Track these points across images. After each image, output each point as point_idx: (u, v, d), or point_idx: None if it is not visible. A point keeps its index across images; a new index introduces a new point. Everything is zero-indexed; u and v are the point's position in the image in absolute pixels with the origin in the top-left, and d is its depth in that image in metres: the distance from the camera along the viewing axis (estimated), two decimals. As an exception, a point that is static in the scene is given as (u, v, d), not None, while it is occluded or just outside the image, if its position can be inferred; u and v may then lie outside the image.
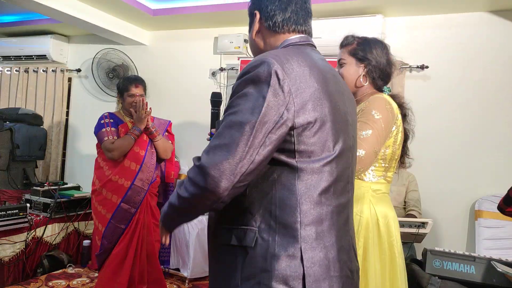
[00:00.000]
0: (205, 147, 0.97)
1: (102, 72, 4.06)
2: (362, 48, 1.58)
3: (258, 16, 1.11)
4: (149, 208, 2.44)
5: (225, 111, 0.96)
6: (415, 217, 2.64)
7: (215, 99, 1.68)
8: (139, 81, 2.52)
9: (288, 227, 0.93)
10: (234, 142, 0.89)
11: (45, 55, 4.39)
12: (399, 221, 2.17)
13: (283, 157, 0.95)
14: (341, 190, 1.02)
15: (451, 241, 2.91)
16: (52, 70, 4.50)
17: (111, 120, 2.45)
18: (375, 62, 1.57)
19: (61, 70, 4.47)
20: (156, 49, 4.18)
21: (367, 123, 1.47)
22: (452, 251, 2.05)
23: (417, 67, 3.05)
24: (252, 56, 1.22)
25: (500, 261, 1.85)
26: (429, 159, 3.03)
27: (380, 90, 1.64)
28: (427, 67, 3.03)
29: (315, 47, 1.12)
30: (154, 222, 2.44)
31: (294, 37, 1.09)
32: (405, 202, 2.80)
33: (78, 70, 4.47)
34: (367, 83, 1.61)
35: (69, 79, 4.57)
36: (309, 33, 1.12)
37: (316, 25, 3.14)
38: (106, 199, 2.36)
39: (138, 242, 2.36)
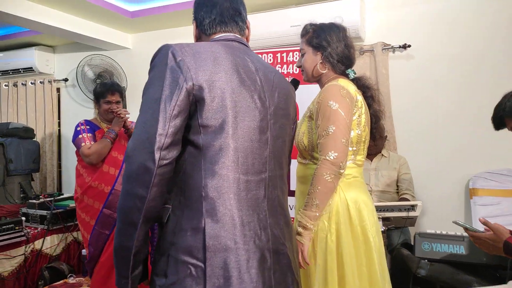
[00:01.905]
0: None
1: (87, 80, 4.04)
2: (317, 35, 1.60)
3: (195, 24, 1.24)
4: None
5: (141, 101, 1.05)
6: (408, 200, 2.61)
7: (294, 84, 1.74)
8: (115, 88, 2.52)
9: (194, 201, 1.01)
10: (148, 122, 0.98)
11: (31, 67, 4.38)
12: (388, 206, 2.16)
13: (190, 135, 1.02)
14: (251, 167, 1.07)
15: (447, 222, 2.86)
16: (40, 82, 4.49)
17: (87, 127, 2.48)
18: (330, 48, 1.58)
19: (49, 81, 4.46)
20: (140, 51, 4.16)
21: (328, 118, 1.47)
22: (444, 232, 2.02)
23: (400, 46, 2.99)
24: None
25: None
26: (419, 140, 2.99)
27: (344, 74, 1.64)
28: (409, 46, 2.97)
29: (244, 43, 1.22)
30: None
31: (219, 35, 1.20)
32: (397, 186, 2.76)
33: (65, 80, 4.46)
34: (326, 69, 1.62)
35: (58, 89, 4.56)
36: (238, 31, 1.22)
37: (296, 12, 3.18)
38: (88, 205, 2.39)
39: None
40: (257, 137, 1.09)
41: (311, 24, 1.65)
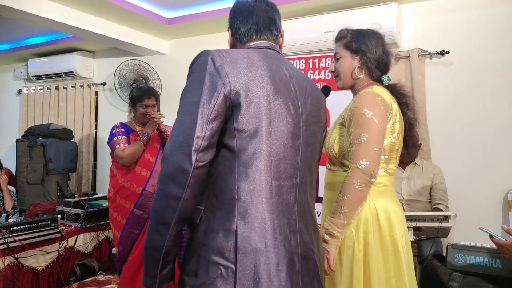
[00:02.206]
0: None
1: (124, 83, 4.18)
2: (356, 40, 1.58)
3: (230, 32, 1.27)
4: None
5: (179, 104, 1.08)
6: (442, 211, 2.51)
7: (325, 91, 1.77)
8: (152, 92, 2.59)
9: (227, 203, 1.03)
10: (186, 125, 1.00)
11: (72, 72, 4.59)
12: (420, 216, 2.09)
13: (225, 139, 1.04)
14: (283, 172, 1.09)
15: (482, 235, 2.73)
16: (80, 86, 4.70)
17: (122, 129, 2.55)
18: (369, 53, 1.57)
19: (88, 85, 4.65)
20: (175, 57, 4.26)
21: (362, 126, 1.45)
22: (478, 244, 1.93)
23: (437, 53, 2.91)
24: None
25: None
26: (455, 149, 2.88)
27: (378, 80, 1.62)
28: (447, 52, 2.88)
29: (278, 51, 1.24)
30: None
31: (254, 43, 1.23)
32: (431, 195, 2.66)
33: (103, 84, 4.64)
34: (363, 74, 1.60)
35: (96, 93, 4.76)
36: (273, 39, 1.25)
37: (329, 18, 3.16)
38: (120, 205, 2.44)
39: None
40: (289, 142, 1.11)
41: (348, 29, 1.64)
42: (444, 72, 2.96)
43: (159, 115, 2.53)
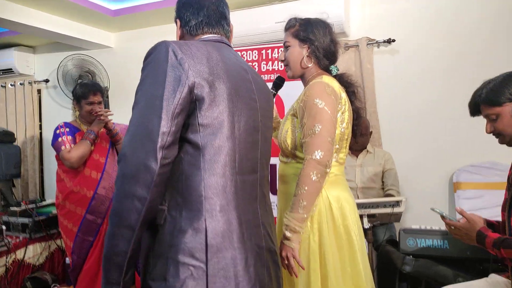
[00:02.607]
0: None
1: (69, 80, 3.96)
2: (304, 29, 1.59)
3: (179, 23, 1.23)
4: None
5: (135, 98, 1.02)
6: (394, 196, 2.61)
7: (279, 82, 1.81)
8: (97, 88, 2.46)
9: (193, 201, 0.99)
10: (148, 120, 0.96)
11: (10, 69, 4.28)
12: (373, 202, 2.16)
13: (188, 134, 1.01)
14: (246, 167, 1.09)
15: (433, 217, 2.88)
16: (20, 83, 4.39)
17: (67, 129, 2.40)
18: (317, 42, 1.57)
19: (29, 83, 4.36)
20: (122, 50, 4.09)
21: (315, 116, 1.45)
22: (428, 227, 2.03)
23: (384, 41, 2.99)
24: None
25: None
26: (404, 135, 2.99)
27: (327, 70, 1.63)
28: (393, 40, 2.97)
29: (228, 45, 1.23)
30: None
31: (206, 36, 1.20)
32: (382, 182, 2.76)
33: (46, 81, 4.37)
34: (312, 63, 1.61)
35: (38, 91, 4.47)
36: (224, 33, 1.24)
37: (280, 9, 3.15)
38: (70, 211, 2.33)
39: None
40: (251, 137, 1.11)
41: (296, 18, 1.64)
42: (391, 60, 3.05)
43: (107, 112, 2.41)
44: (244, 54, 3.27)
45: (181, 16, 1.22)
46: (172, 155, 0.97)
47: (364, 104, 1.75)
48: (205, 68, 1.02)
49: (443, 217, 1.61)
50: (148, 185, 0.93)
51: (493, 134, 1.55)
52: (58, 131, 2.40)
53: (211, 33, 1.21)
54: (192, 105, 1.00)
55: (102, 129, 2.45)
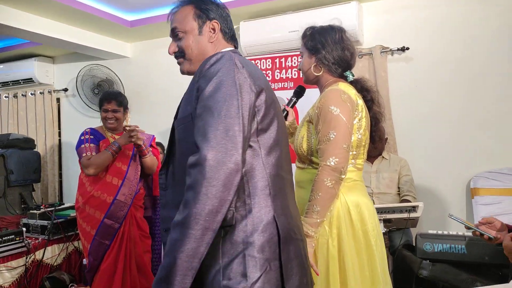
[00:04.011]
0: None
1: (87, 89, 4.07)
2: (312, 38, 1.60)
3: (218, 26, 1.25)
4: (134, 220, 2.44)
5: (206, 105, 1.03)
6: (410, 202, 2.60)
7: (300, 90, 1.86)
8: (112, 96, 2.51)
9: (261, 200, 1.06)
10: (229, 127, 0.99)
11: (31, 78, 4.41)
12: (389, 208, 2.16)
13: (250, 139, 1.07)
14: (288, 168, 1.19)
15: (450, 222, 2.86)
16: (40, 92, 4.52)
17: (91, 137, 2.45)
18: (324, 50, 1.57)
19: (49, 92, 4.48)
20: (139, 60, 4.18)
21: (330, 123, 1.46)
22: (445, 232, 2.02)
23: (398, 49, 3.01)
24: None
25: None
26: (420, 141, 2.99)
27: (342, 76, 1.63)
28: (407, 48, 2.99)
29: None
30: (141, 234, 2.44)
31: (229, 48, 1.25)
32: (399, 188, 2.75)
33: (65, 90, 4.49)
34: (322, 72, 1.61)
35: (58, 100, 4.59)
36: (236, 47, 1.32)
37: (293, 18, 3.20)
38: (89, 215, 2.37)
39: (126, 255, 2.37)
40: (286, 141, 1.22)
41: (309, 27, 1.66)
42: (406, 68, 3.06)
43: (136, 129, 2.39)
44: (258, 62, 3.32)
45: (213, 16, 1.24)
46: (245, 158, 1.04)
47: (383, 109, 1.74)
48: (260, 79, 1.11)
49: (470, 228, 1.58)
50: (232, 188, 0.97)
51: None
52: (82, 137, 2.45)
53: (232, 45, 1.28)
54: (253, 111, 1.07)
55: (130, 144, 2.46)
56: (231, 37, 1.28)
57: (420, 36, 3.00)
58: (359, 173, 1.60)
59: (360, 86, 1.65)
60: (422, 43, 2.99)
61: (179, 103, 1.21)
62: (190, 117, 1.09)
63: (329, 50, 1.57)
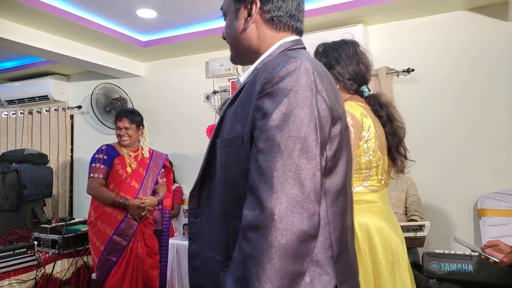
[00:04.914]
0: None
1: (100, 106, 4.17)
2: (325, 55, 1.54)
3: (258, 3, 0.94)
4: (142, 237, 2.48)
5: (268, 136, 0.76)
6: (417, 221, 2.61)
7: None
8: (123, 114, 2.59)
9: (321, 264, 0.79)
10: (303, 171, 0.73)
11: (46, 96, 4.54)
12: (396, 226, 2.16)
13: None
14: (350, 209, 0.92)
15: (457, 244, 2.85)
16: (54, 109, 4.64)
17: (105, 157, 2.50)
18: (339, 66, 1.50)
19: (63, 109, 4.61)
20: (151, 79, 4.30)
21: None
22: (452, 252, 2.02)
23: (403, 71, 3.07)
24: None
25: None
26: (427, 161, 3.01)
27: (358, 92, 1.55)
28: (413, 70, 3.05)
29: (306, 49, 0.99)
30: (148, 250, 2.47)
31: (290, 39, 0.95)
32: (406, 207, 2.77)
33: (79, 107, 4.61)
34: (338, 88, 1.51)
35: (71, 117, 4.71)
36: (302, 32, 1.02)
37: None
38: (100, 231, 2.42)
39: (133, 272, 2.40)
40: (351, 168, 0.94)
41: (321, 44, 1.58)
42: (411, 89, 3.11)
43: (148, 207, 2.47)
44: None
45: None
46: None
47: (404, 125, 1.62)
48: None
49: (475, 252, 1.57)
50: (308, 258, 0.73)
51: None
52: (96, 156, 2.51)
53: (295, 32, 0.97)
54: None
55: (138, 162, 2.59)
56: (290, 19, 0.95)
57: (425, 57, 3.06)
58: (376, 195, 1.47)
59: (375, 101, 1.55)
60: (427, 64, 3.05)
61: (219, 119, 0.93)
62: (241, 141, 0.83)
63: (344, 65, 1.49)
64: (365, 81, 1.55)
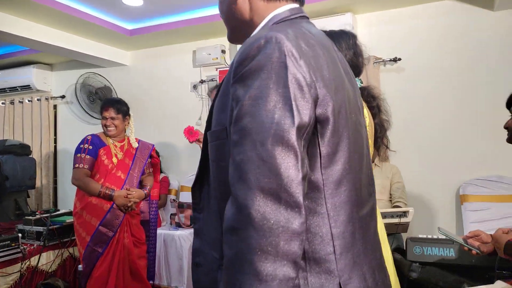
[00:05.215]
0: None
1: (84, 96, 4.11)
2: None
3: None
4: (128, 227, 2.47)
5: (241, 125, 0.68)
6: (401, 208, 2.66)
7: None
8: (109, 104, 2.56)
9: (321, 261, 0.72)
10: (280, 161, 0.65)
11: (29, 85, 4.45)
12: (381, 213, 2.20)
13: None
14: (362, 198, 0.81)
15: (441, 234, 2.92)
16: (37, 99, 4.55)
17: (90, 147, 2.46)
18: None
19: (46, 98, 4.52)
20: (137, 68, 4.24)
21: None
22: (435, 236, 2.07)
23: (390, 60, 3.10)
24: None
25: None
26: (411, 149, 3.06)
27: None
28: (399, 59, 3.08)
29: (309, 19, 0.88)
30: (135, 240, 2.46)
31: (283, 9, 0.84)
32: (390, 194, 2.82)
33: (62, 97, 4.53)
34: None
35: (54, 106, 4.63)
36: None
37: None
38: (86, 222, 2.40)
39: (119, 263, 2.40)
40: (363, 149, 0.85)
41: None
42: (397, 78, 3.15)
43: (134, 199, 2.46)
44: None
45: None
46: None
47: (390, 117, 1.68)
48: (326, 70, 0.73)
49: (457, 243, 1.64)
50: (298, 258, 0.65)
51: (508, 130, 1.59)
52: (81, 146, 2.47)
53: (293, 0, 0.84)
54: (314, 127, 0.71)
55: (124, 152, 2.56)
56: None
57: (411, 47, 3.09)
58: None
59: (367, 93, 1.59)
60: (413, 54, 3.08)
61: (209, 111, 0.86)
62: (225, 134, 0.76)
63: (344, 55, 1.43)
64: (359, 73, 1.57)
